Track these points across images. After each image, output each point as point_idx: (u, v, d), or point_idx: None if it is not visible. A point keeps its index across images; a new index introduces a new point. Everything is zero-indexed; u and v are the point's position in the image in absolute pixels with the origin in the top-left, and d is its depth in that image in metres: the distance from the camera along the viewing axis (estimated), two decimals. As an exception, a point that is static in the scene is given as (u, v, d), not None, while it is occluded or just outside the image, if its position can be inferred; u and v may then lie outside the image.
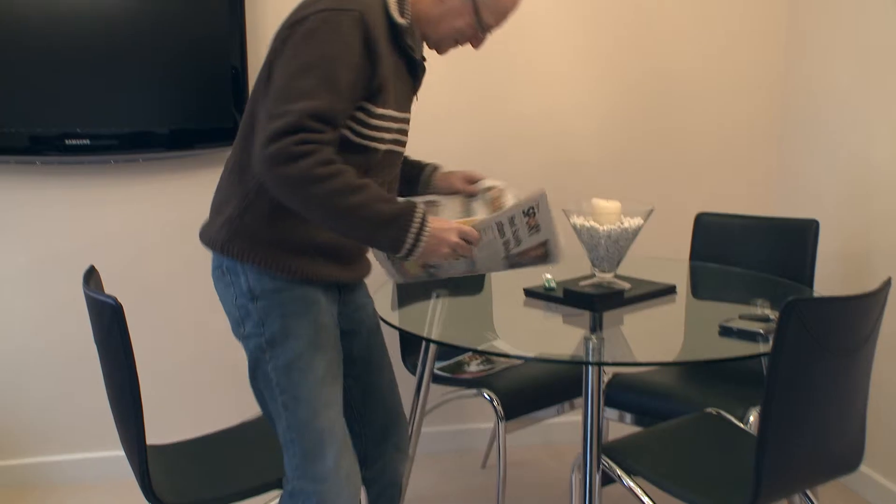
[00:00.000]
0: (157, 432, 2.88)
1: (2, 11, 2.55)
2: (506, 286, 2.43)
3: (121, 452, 2.95)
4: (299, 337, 1.68)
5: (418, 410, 2.50)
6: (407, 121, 1.75)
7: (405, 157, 1.98)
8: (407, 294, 2.27)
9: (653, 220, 3.02)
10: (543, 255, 1.70)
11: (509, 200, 1.86)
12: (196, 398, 2.99)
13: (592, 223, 2.14)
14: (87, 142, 2.65)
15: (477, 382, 2.50)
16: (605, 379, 2.54)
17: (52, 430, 2.94)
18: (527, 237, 1.64)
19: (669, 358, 1.94)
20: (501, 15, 1.74)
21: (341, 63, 1.54)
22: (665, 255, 2.85)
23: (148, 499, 1.76)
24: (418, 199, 1.82)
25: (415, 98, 1.81)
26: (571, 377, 2.58)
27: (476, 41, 1.77)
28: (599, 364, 1.86)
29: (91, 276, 1.84)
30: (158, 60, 2.66)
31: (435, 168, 1.97)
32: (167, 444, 2.09)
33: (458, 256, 1.63)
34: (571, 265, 2.41)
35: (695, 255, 2.78)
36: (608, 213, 2.15)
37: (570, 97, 3.07)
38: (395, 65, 1.67)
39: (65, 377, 2.92)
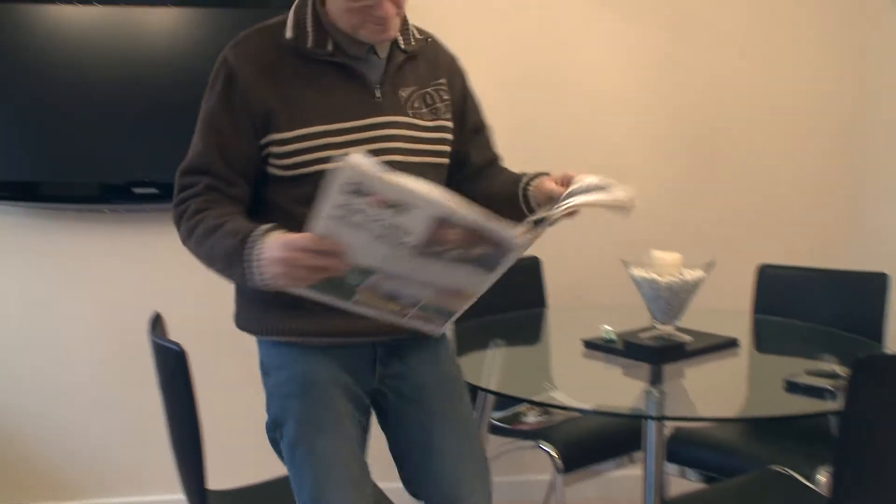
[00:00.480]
0: (219, 477, 2.89)
1: (70, 63, 2.66)
2: (565, 337, 2.41)
3: (181, 496, 2.98)
4: (298, 419, 1.59)
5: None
6: (374, 126, 1.55)
7: (509, 171, 1.75)
8: (464, 343, 2.27)
9: (713, 270, 2.97)
10: (477, 236, 1.31)
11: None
12: (258, 443, 3.00)
13: (652, 275, 2.12)
14: (154, 190, 2.74)
15: (535, 434, 2.47)
16: (667, 433, 2.49)
17: (114, 473, 2.99)
18: (404, 219, 1.27)
19: (733, 413, 1.89)
20: None
21: (210, 114, 1.56)
22: (726, 307, 2.79)
23: None
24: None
25: (401, 94, 1.60)
26: (632, 430, 2.53)
27: (372, 14, 1.51)
28: (661, 418, 1.83)
29: (157, 323, 1.88)
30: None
31: (531, 179, 1.66)
32: (229, 489, 2.10)
33: (315, 276, 1.33)
34: (631, 316, 2.38)
35: (758, 307, 2.73)
36: (668, 265, 2.13)
37: (627, 144, 3.06)
38: (308, 77, 1.55)
39: (127, 420, 2.97)
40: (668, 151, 3.08)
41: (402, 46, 1.63)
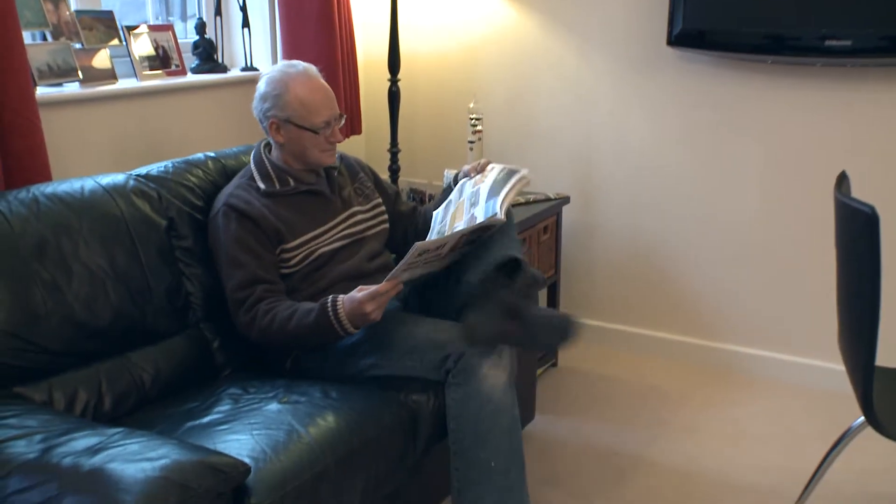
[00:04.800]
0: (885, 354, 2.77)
1: None
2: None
3: (820, 363, 3.04)
4: None
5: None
6: (341, 221, 2.23)
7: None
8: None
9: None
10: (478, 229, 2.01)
11: (489, 175, 2.20)
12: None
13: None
14: (847, 43, 2.66)
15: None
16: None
17: (749, 322, 3.16)
18: (443, 249, 1.99)
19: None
20: (315, 112, 2.14)
21: (236, 242, 2.11)
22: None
23: (869, 421, 1.81)
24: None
25: (343, 195, 2.28)
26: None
27: (324, 142, 2.18)
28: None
29: (842, 181, 1.86)
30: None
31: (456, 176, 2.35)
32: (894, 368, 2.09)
33: (379, 311, 1.94)
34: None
35: None
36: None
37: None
38: (288, 205, 2.17)
39: (773, 274, 3.09)
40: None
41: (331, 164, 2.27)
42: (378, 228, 2.34)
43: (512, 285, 2.02)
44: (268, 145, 2.26)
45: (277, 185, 2.19)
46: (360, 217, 2.29)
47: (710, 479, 2.50)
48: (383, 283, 1.93)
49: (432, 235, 2.10)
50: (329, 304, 1.97)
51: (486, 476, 1.93)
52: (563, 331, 1.93)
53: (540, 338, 1.93)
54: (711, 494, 2.43)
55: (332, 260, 2.20)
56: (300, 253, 2.16)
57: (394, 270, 1.92)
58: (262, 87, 2.20)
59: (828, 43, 2.64)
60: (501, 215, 1.97)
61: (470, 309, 2.00)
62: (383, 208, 2.38)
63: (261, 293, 2.06)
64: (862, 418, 1.94)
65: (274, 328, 2.02)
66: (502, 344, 1.96)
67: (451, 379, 1.99)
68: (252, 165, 2.23)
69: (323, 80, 2.21)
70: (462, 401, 1.96)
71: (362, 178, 2.36)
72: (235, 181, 2.23)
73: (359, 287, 1.96)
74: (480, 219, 1.99)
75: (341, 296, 1.98)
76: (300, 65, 2.21)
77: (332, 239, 2.21)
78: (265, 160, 2.22)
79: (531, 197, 3.05)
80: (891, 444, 1.96)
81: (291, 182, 2.20)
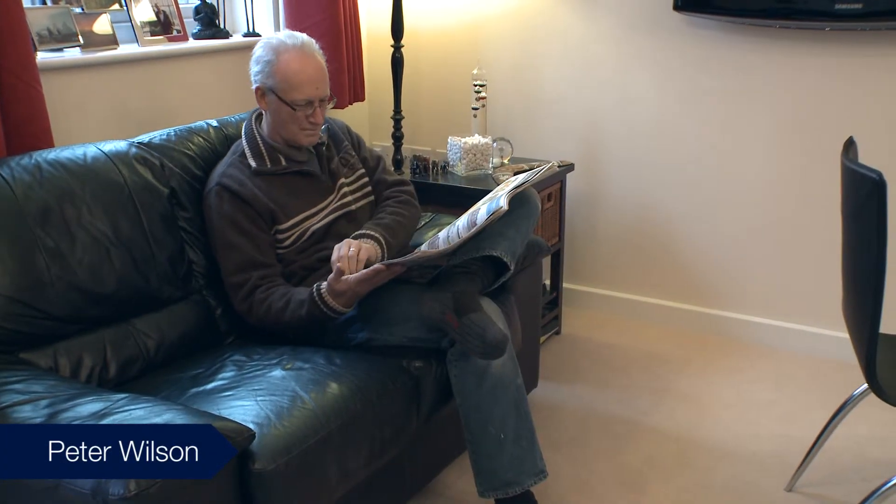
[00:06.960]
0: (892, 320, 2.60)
1: None
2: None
3: (830, 332, 2.99)
4: None
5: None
6: (333, 199, 2.22)
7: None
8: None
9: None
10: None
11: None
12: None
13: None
14: (858, 6, 2.61)
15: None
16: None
17: (753, 291, 3.14)
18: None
19: None
20: (297, 88, 2.10)
21: (230, 224, 2.12)
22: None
23: (872, 388, 1.79)
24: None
25: (331, 167, 2.25)
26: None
27: (304, 121, 2.13)
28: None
29: (850, 147, 1.83)
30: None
31: None
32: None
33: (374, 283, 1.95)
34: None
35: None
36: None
37: None
38: (280, 185, 2.16)
39: (778, 243, 3.05)
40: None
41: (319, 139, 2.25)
42: (363, 202, 2.32)
43: (475, 283, 2.01)
44: (259, 117, 2.23)
45: (269, 164, 2.17)
46: (346, 189, 2.28)
47: (710, 446, 2.52)
48: (374, 266, 1.92)
49: (438, 237, 2.03)
50: (317, 297, 1.97)
51: (496, 449, 1.95)
52: (485, 350, 1.87)
53: (466, 342, 1.89)
54: (712, 461, 2.44)
55: (327, 234, 2.20)
56: (294, 233, 2.16)
57: (387, 261, 1.94)
58: (257, 50, 2.18)
59: (838, 6, 2.60)
60: (505, 205, 1.94)
61: (436, 284, 2.05)
62: (367, 180, 2.36)
63: (256, 280, 2.07)
64: (864, 386, 1.96)
65: (270, 319, 2.05)
66: (443, 327, 1.96)
67: (449, 355, 2.00)
68: (244, 140, 2.21)
69: (319, 58, 2.17)
70: (460, 377, 1.98)
71: (346, 147, 2.33)
72: (227, 158, 2.21)
73: (338, 270, 1.94)
74: (484, 214, 1.95)
75: (324, 284, 1.97)
76: (300, 38, 2.17)
77: (322, 216, 2.21)
78: (256, 135, 2.21)
79: (535, 164, 3.04)
80: (892, 412, 1.97)
81: (283, 161, 2.19)
